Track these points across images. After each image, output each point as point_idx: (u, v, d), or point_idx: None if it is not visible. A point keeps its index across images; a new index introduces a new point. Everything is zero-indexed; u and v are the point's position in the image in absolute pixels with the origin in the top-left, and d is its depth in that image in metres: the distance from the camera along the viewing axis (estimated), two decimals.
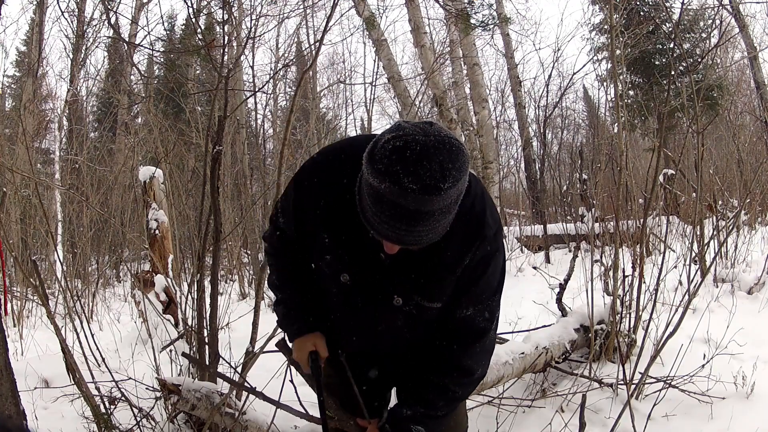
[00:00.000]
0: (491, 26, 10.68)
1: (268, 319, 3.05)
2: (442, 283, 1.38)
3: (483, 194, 1.37)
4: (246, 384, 1.59)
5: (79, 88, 13.86)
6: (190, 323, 3.03)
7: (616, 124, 4.87)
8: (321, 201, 1.38)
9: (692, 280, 3.36)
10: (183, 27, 16.27)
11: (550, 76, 13.16)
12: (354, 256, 1.39)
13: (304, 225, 1.46)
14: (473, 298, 1.40)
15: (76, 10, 13.21)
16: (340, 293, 1.47)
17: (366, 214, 1.20)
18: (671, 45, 10.07)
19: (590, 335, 3.32)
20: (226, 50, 3.10)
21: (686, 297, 3.19)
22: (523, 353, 2.99)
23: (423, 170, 1.07)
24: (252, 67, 9.89)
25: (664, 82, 10.53)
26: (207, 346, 2.75)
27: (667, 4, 8.90)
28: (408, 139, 1.10)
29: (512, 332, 3.66)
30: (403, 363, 1.56)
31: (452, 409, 1.52)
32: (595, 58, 14.29)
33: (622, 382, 2.93)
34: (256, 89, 8.11)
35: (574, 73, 13.34)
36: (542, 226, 9.16)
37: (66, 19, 13.51)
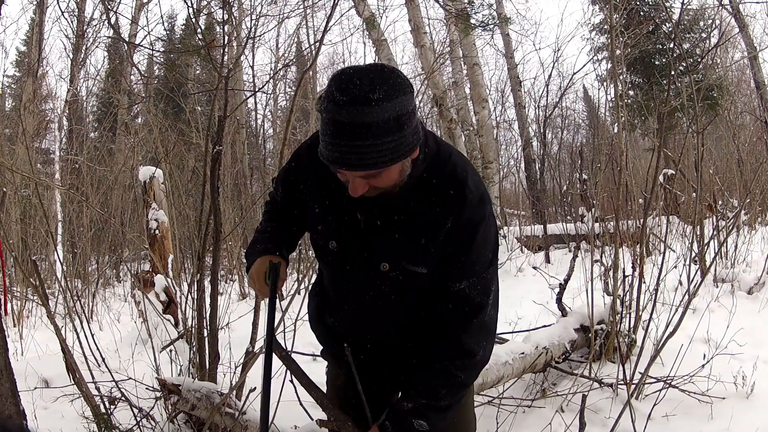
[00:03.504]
0: (491, 26, 10.70)
1: None
2: (426, 246, 1.37)
3: (467, 167, 1.40)
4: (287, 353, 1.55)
5: (79, 88, 13.88)
6: (190, 323, 3.03)
7: (616, 124, 4.87)
8: (311, 174, 1.47)
9: (692, 280, 3.36)
10: (183, 27, 16.30)
11: (550, 76, 13.22)
12: (338, 222, 1.44)
13: (292, 194, 1.56)
14: (465, 270, 1.38)
15: (76, 10, 13.22)
16: (331, 261, 1.50)
17: (320, 149, 1.26)
18: (671, 45, 10.06)
19: (590, 335, 3.32)
20: (226, 50, 3.10)
21: (686, 297, 3.19)
22: (523, 353, 2.99)
23: (352, 85, 1.16)
24: (252, 67, 9.92)
25: (664, 82, 10.53)
26: (207, 348, 2.75)
27: (667, 4, 8.90)
28: (345, 68, 1.23)
29: (512, 332, 3.66)
30: (403, 353, 1.54)
31: (456, 400, 1.46)
32: (595, 58, 14.33)
33: (622, 382, 2.93)
34: (256, 89, 8.13)
35: (574, 73, 13.39)
36: (542, 226, 9.15)
37: (66, 19, 13.54)
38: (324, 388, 1.67)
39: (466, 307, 1.40)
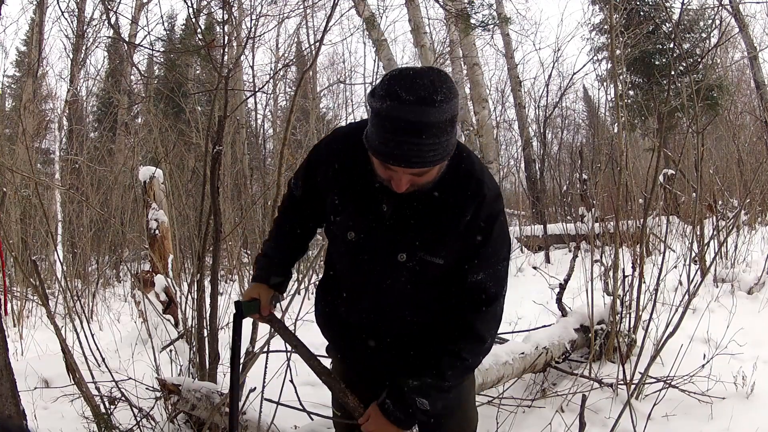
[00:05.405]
0: (491, 26, 10.70)
1: None
2: (444, 238, 1.44)
3: (483, 168, 1.49)
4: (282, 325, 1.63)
5: (79, 88, 13.87)
6: (190, 323, 3.03)
7: (616, 124, 4.87)
8: (333, 165, 1.51)
9: (692, 280, 3.36)
10: (183, 27, 16.29)
11: (550, 76, 13.15)
12: (360, 214, 1.48)
13: (311, 187, 1.60)
14: (483, 262, 1.45)
15: (76, 10, 13.22)
16: (347, 252, 1.54)
17: (372, 145, 1.29)
18: (671, 45, 10.06)
19: (590, 335, 3.32)
20: (226, 50, 3.10)
21: (686, 297, 3.19)
22: (523, 353, 2.99)
23: (417, 86, 1.22)
24: (252, 67, 9.92)
25: (664, 82, 10.52)
26: (207, 348, 2.75)
27: (667, 4, 8.89)
28: (401, 68, 1.30)
29: (512, 332, 3.66)
30: (416, 344, 1.56)
31: (458, 382, 1.52)
32: (595, 58, 14.29)
33: (622, 382, 2.93)
34: (256, 89, 8.13)
35: (574, 73, 13.35)
36: (542, 226, 9.15)
37: (66, 19, 13.55)
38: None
39: (481, 297, 1.47)
